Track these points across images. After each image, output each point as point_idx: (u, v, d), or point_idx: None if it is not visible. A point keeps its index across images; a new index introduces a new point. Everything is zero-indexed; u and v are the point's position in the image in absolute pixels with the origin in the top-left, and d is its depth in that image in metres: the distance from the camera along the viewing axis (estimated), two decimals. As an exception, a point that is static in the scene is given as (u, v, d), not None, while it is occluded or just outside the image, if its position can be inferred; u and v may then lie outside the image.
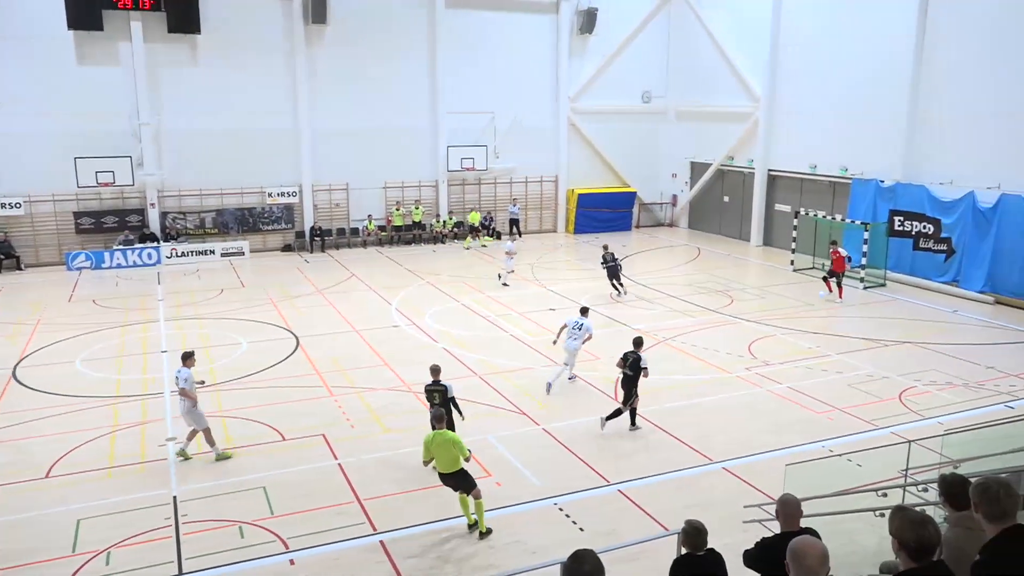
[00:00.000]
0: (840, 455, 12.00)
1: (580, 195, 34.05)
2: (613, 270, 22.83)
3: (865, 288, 23.87)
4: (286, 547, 9.86)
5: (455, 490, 10.39)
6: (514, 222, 33.30)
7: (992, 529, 4.18)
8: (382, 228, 30.93)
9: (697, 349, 17.96)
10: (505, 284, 24.13)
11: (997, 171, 22.27)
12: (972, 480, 4.66)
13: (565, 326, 15.83)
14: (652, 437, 13.27)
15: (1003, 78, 22.01)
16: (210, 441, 12.35)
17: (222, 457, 12.36)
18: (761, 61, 30.11)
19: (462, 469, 10.24)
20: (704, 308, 21.57)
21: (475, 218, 32.62)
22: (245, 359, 17.23)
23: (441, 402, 11.79)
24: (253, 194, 29.81)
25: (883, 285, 24.16)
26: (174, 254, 28.08)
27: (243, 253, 29.07)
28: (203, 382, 13.30)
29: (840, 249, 22.73)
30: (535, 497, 11.16)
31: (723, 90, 32.28)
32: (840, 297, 22.50)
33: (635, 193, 34.97)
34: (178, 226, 28.88)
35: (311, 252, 30.04)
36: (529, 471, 11.97)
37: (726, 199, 33.38)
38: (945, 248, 23.75)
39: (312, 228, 30.40)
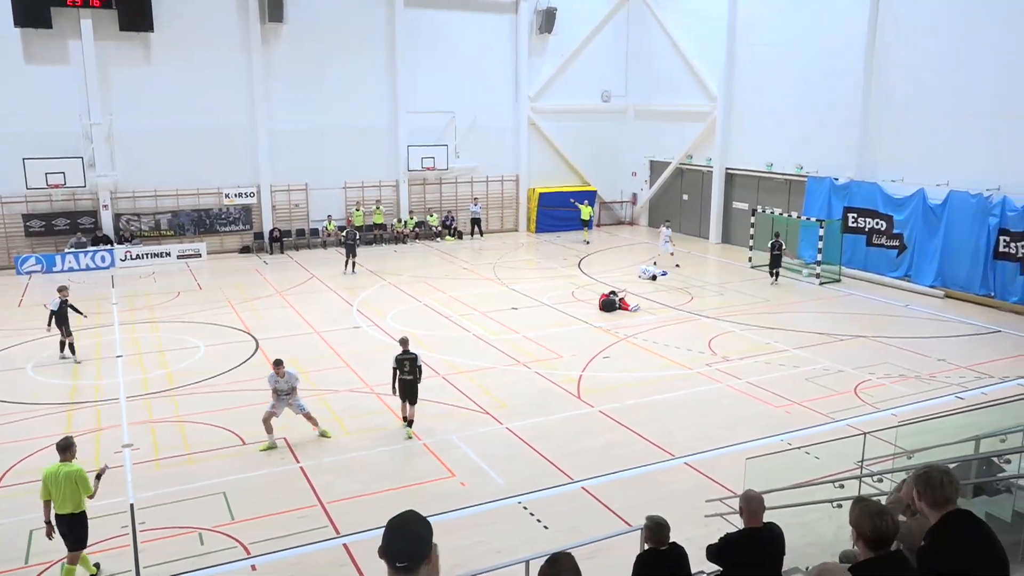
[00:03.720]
0: (798, 448, 12.21)
1: (541, 194, 34.14)
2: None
3: (821, 284, 24.31)
4: (247, 553, 9.71)
5: (66, 541, 8.89)
6: (476, 221, 33.27)
7: (935, 515, 4.29)
8: (342, 228, 30.64)
9: (658, 346, 18.12)
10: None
11: (946, 169, 22.83)
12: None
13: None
14: (614, 433, 13.35)
15: (952, 78, 22.56)
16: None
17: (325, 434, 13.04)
18: (718, 61, 30.48)
19: (83, 513, 8.94)
20: (664, 305, 21.77)
21: (433, 220, 32.58)
22: (203, 363, 16.94)
23: (411, 370, 13.09)
24: (210, 195, 29.31)
25: (838, 280, 24.63)
26: (128, 257, 27.48)
27: (200, 255, 28.56)
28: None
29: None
30: (499, 496, 11.16)
31: (681, 90, 32.60)
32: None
33: (595, 192, 35.17)
34: (132, 228, 28.28)
35: (270, 253, 29.65)
36: (493, 470, 11.96)
37: (685, 197, 33.74)
38: (897, 244, 24.30)
39: (271, 229, 30.01)
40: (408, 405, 13.32)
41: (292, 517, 10.56)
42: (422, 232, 32.43)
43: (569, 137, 34.92)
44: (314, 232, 30.99)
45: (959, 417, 10.16)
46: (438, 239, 32.31)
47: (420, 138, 31.92)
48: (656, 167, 35.03)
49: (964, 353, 17.51)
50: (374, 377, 15.92)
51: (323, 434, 13.10)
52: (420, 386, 13.39)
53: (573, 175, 35.47)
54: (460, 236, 32.92)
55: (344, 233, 27.17)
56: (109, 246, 27.46)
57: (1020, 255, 21.00)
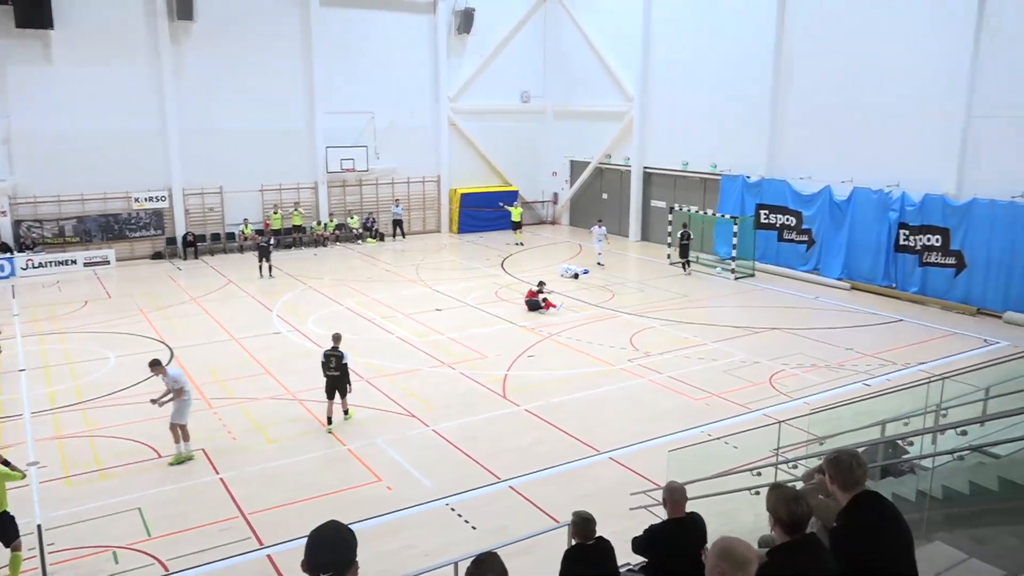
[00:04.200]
0: (718, 439, 12.55)
1: (462, 194, 34.11)
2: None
3: (736, 279, 25.05)
4: (165, 569, 9.38)
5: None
6: (397, 223, 32.99)
7: (845, 497, 4.48)
8: (260, 232, 29.91)
9: (581, 343, 18.34)
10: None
11: (850, 167, 23.87)
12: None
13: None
14: (539, 431, 13.45)
15: (854, 79, 23.59)
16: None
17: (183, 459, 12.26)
18: (634, 62, 31.05)
19: (7, 512, 9.03)
20: (587, 303, 22.04)
21: (354, 222, 32.16)
22: (114, 374, 16.26)
23: (336, 366, 13.37)
24: (118, 199, 28.15)
25: (752, 275, 25.43)
26: (30, 265, 26.11)
27: (109, 262, 27.40)
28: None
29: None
30: (427, 499, 11.09)
31: (599, 90, 33.09)
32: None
33: (517, 192, 35.35)
34: (34, 235, 26.90)
35: (184, 259, 28.67)
36: (420, 473, 11.89)
37: (605, 196, 34.26)
38: (806, 239, 25.27)
39: (184, 234, 29.03)
40: (336, 399, 13.61)
41: (213, 530, 10.25)
42: (342, 235, 31.96)
43: (490, 137, 34.98)
44: (230, 236, 30.14)
45: (866, 403, 10.62)
46: (359, 241, 31.91)
47: (339, 139, 31.44)
48: (576, 167, 35.45)
49: (870, 342, 18.34)
50: (296, 383, 15.61)
51: (178, 460, 12.19)
52: (349, 386, 13.85)
53: (494, 175, 35.56)
54: (382, 238, 32.58)
55: (259, 239, 26.66)
56: (9, 254, 26.06)
57: (918, 247, 22.15)
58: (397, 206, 33.04)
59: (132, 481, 11.64)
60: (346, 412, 13.86)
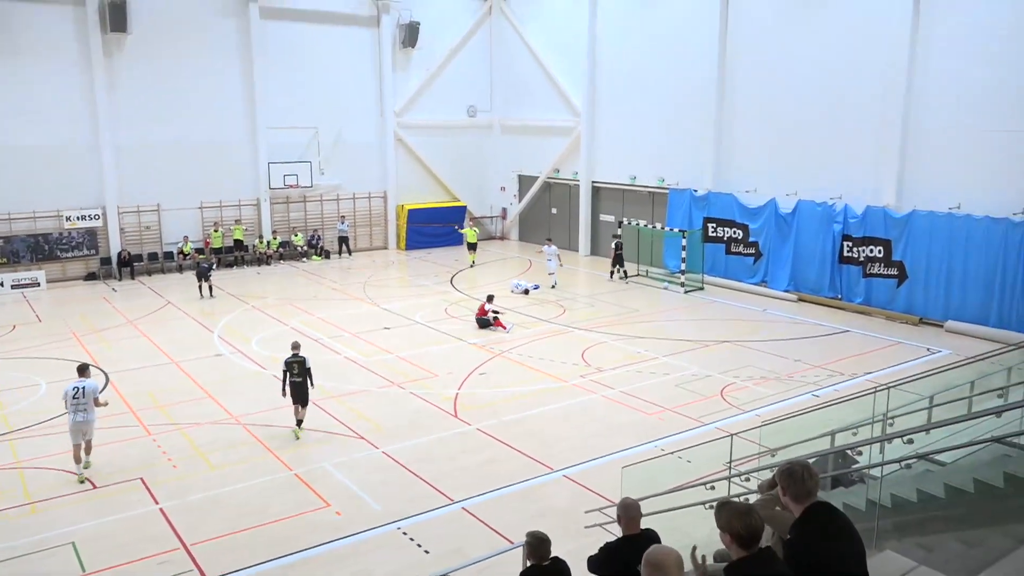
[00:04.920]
0: (671, 453, 12.67)
1: (410, 210, 33.97)
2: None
3: (686, 292, 25.42)
4: (102, 606, 9.04)
5: None
6: (343, 240, 32.69)
7: (798, 508, 4.56)
8: (200, 251, 29.29)
9: (533, 360, 18.37)
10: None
11: (794, 179, 24.49)
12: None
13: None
14: (492, 450, 13.40)
15: (795, 92, 24.24)
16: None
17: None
18: (580, 77, 31.41)
19: None
20: (538, 319, 22.11)
21: (298, 240, 31.78)
22: (44, 402, 15.67)
23: (299, 372, 13.86)
24: (48, 218, 27.30)
25: (702, 288, 25.83)
26: (-47, 288, 25.16)
27: (39, 284, 26.49)
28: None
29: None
30: (377, 523, 10.94)
31: (546, 104, 33.38)
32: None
33: (465, 207, 35.35)
34: (-43, 256, 25.95)
35: (119, 280, 27.90)
36: (369, 496, 11.73)
37: (554, 211, 34.50)
38: (753, 252, 25.80)
39: (119, 253, 28.27)
40: (300, 407, 14.01)
41: (152, 563, 9.94)
42: (287, 253, 31.52)
43: (437, 152, 34.97)
44: (168, 255, 29.47)
45: (816, 414, 10.84)
46: (304, 259, 31.52)
47: (282, 154, 31.07)
48: (524, 181, 35.64)
49: (817, 353, 18.77)
50: (239, 407, 15.31)
51: (85, 467, 12.58)
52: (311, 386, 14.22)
53: (442, 191, 35.53)
54: (327, 255, 32.25)
55: (199, 258, 26.14)
56: (-71, 277, 25.03)
57: (861, 259, 22.81)
58: (343, 223, 32.75)
59: (65, 514, 11.23)
60: (299, 423, 14.03)
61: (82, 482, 12.24)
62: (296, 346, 14.41)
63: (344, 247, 32.69)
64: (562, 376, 17.18)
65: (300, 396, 13.95)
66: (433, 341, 20.05)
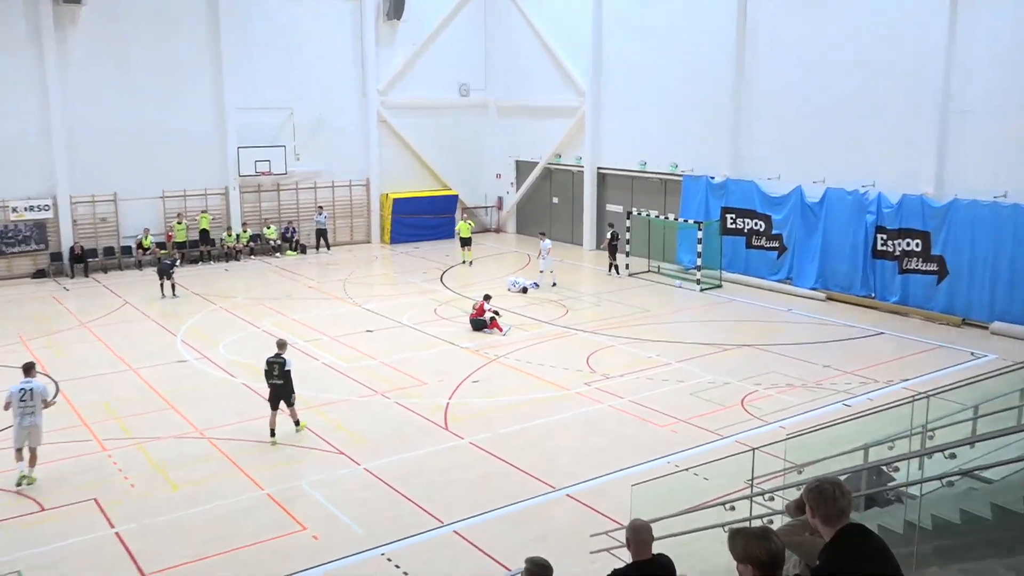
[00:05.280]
0: (686, 469, 12.61)
1: (395, 200, 33.93)
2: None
3: (702, 290, 25.39)
4: (50, 642, 8.98)
5: None
6: (321, 233, 32.62)
7: (829, 531, 4.50)
8: (161, 245, 29.21)
9: (532, 366, 18.32)
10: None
11: (822, 165, 24.45)
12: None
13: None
14: (487, 466, 13.35)
15: (823, 70, 24.20)
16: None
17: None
18: (585, 54, 31.38)
19: None
20: (537, 320, 22.08)
21: (271, 233, 31.73)
22: (-12, 413, 15.59)
23: (279, 374, 14.18)
24: (-8, 209, 27.29)
25: (719, 286, 25.81)
26: None
27: (-18, 282, 26.50)
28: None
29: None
30: (358, 548, 10.90)
31: (546, 84, 33.36)
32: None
33: (456, 196, 35.30)
34: None
35: (71, 277, 27.83)
36: (350, 518, 11.68)
37: (555, 200, 34.48)
38: (777, 245, 25.77)
39: (72, 248, 28.20)
40: (283, 408, 14.36)
41: (107, 593, 9.88)
42: (258, 247, 31.47)
43: (425, 136, 34.93)
44: (126, 250, 29.39)
45: (847, 425, 10.78)
46: (277, 254, 31.47)
47: (253, 138, 31.01)
48: (523, 168, 35.61)
49: (848, 358, 18.74)
50: (204, 418, 15.28)
51: (26, 480, 12.60)
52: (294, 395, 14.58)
53: (431, 178, 35.49)
54: (303, 250, 32.20)
55: (159, 253, 26.09)
56: None
57: (897, 253, 22.77)
58: (320, 214, 32.68)
59: (9, 540, 11.15)
60: (297, 423, 14.54)
61: (20, 484, 12.37)
62: (281, 345, 14.75)
63: (322, 241, 32.63)
64: (565, 384, 17.14)
65: (282, 398, 14.31)
66: (421, 345, 20.01)
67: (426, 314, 22.79)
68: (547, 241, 26.82)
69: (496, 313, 21.25)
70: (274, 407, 14.34)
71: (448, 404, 16.06)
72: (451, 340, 20.31)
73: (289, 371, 14.32)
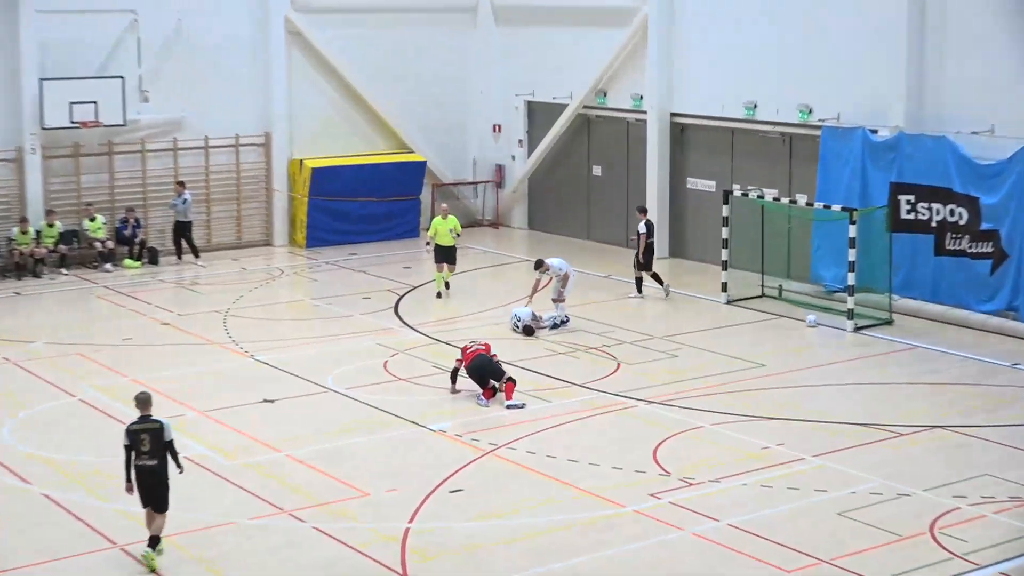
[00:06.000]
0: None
1: (315, 171, 33.99)
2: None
3: (857, 329, 25.30)
4: None
5: None
6: (183, 229, 32.66)
7: None
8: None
9: (558, 463, 18.13)
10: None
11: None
12: None
13: None
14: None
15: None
16: None
17: None
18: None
19: None
20: (568, 383, 22.02)
21: (96, 229, 31.70)
22: None
23: (153, 449, 14.26)
24: None
25: (889, 323, 25.76)
26: None
27: None
28: None
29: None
30: None
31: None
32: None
33: (424, 165, 35.26)
34: None
35: None
36: None
37: (597, 171, 34.40)
38: (990, 249, 25.55)
39: None
40: (151, 512, 14.45)
41: None
42: (74, 253, 31.66)
43: (369, 60, 35.24)
44: None
45: None
46: (108, 266, 31.68)
47: (66, 64, 31.42)
48: (539, 115, 35.75)
49: None
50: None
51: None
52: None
53: (380, 134, 35.61)
54: (154, 259, 32.39)
55: None
56: None
57: None
58: (181, 196, 32.66)
59: None
60: (154, 546, 14.42)
61: None
62: (144, 403, 14.65)
63: (184, 242, 32.77)
64: (614, 495, 16.93)
65: (154, 493, 14.20)
66: (361, 426, 19.98)
67: (370, 371, 22.83)
68: (558, 261, 26.63)
69: (510, 379, 21.03)
70: (147, 502, 14.32)
71: (407, 531, 15.87)
72: (414, 417, 20.21)
73: (171, 442, 14.41)
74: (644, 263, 28.21)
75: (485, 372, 20.82)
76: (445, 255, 29.34)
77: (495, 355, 21.31)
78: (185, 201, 32.73)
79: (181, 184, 32.88)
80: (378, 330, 25.77)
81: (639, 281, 28.41)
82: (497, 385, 20.85)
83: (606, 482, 17.46)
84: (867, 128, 27.45)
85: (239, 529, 16.08)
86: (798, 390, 21.84)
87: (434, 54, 36.02)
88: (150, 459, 14.27)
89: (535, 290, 26.57)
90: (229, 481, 17.64)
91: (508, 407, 20.61)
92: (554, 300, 26.16)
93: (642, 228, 28.24)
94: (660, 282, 28.30)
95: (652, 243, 28.14)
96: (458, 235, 29.79)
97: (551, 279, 26.56)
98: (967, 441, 19.04)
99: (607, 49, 33.18)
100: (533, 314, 25.51)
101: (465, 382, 21.14)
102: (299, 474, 17.92)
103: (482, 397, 20.80)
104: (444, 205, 31.47)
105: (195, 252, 32.78)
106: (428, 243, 29.78)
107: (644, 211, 29.00)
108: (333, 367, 22.96)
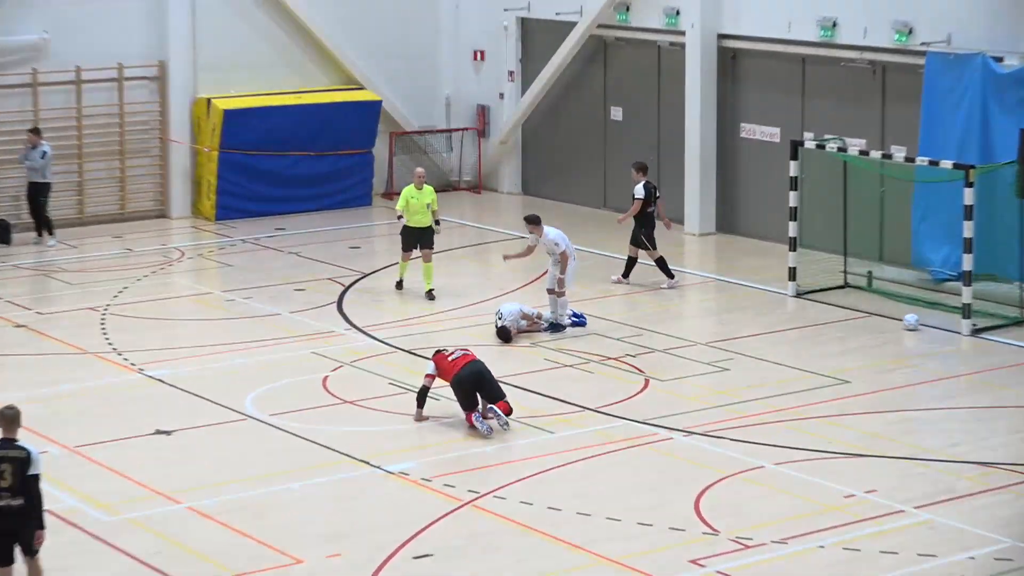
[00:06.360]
0: None
1: (228, 114, 34.04)
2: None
3: (974, 331, 25.33)
4: None
5: None
6: (37, 193, 32.61)
7: None
8: None
9: (564, 519, 18.09)
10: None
11: None
12: None
13: None
14: None
15: None
16: None
17: None
18: None
19: None
20: (579, 407, 22.08)
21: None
22: None
23: (13, 483, 13.94)
24: None
25: (1019, 323, 25.90)
26: None
27: None
28: None
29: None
30: None
31: None
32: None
33: (378, 105, 35.28)
34: None
35: None
36: None
37: (616, 114, 34.43)
38: None
39: None
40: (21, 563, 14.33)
41: None
42: None
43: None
44: None
45: None
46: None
47: None
48: (537, 35, 35.80)
49: None
50: None
51: None
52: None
53: (318, 63, 35.63)
54: (4, 236, 32.53)
55: None
56: None
57: None
58: (37, 148, 32.61)
59: None
60: None
61: None
62: (11, 421, 14.43)
63: (40, 213, 33.02)
64: (643, 561, 16.90)
65: (19, 537, 14.14)
66: (293, 465, 20.00)
67: (303, 391, 22.96)
68: (552, 231, 26.91)
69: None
70: (3, 560, 14.30)
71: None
72: (365, 454, 20.23)
73: (37, 476, 14.14)
74: (645, 240, 28.72)
75: (483, 385, 20.87)
76: (418, 238, 29.00)
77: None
78: (45, 154, 32.81)
79: (35, 132, 32.89)
80: (315, 334, 25.96)
81: (661, 263, 28.83)
82: (483, 409, 20.91)
83: (631, 545, 17.44)
84: (989, 55, 27.48)
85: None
86: (894, 416, 21.86)
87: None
88: (12, 498, 13.86)
89: (517, 255, 27.34)
90: (108, 544, 17.58)
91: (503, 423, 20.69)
92: (549, 292, 26.36)
93: (639, 192, 28.70)
94: (640, 259, 28.85)
95: (652, 213, 28.59)
96: (437, 220, 29.56)
97: (550, 258, 26.61)
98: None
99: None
100: (522, 311, 25.49)
101: (436, 406, 21.19)
102: (206, 534, 17.85)
103: (482, 421, 20.81)
104: (420, 170, 30.71)
105: (47, 226, 33.01)
106: (400, 217, 29.26)
107: (643, 169, 29.33)
108: (253, 386, 23.08)
